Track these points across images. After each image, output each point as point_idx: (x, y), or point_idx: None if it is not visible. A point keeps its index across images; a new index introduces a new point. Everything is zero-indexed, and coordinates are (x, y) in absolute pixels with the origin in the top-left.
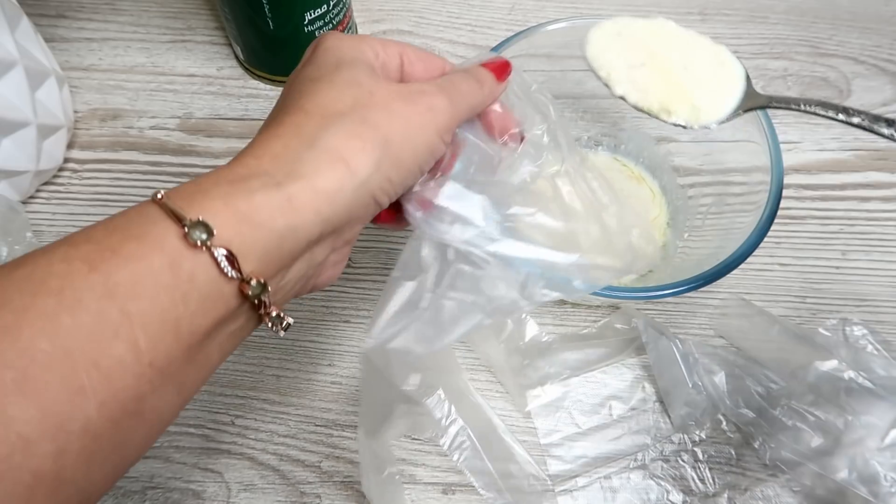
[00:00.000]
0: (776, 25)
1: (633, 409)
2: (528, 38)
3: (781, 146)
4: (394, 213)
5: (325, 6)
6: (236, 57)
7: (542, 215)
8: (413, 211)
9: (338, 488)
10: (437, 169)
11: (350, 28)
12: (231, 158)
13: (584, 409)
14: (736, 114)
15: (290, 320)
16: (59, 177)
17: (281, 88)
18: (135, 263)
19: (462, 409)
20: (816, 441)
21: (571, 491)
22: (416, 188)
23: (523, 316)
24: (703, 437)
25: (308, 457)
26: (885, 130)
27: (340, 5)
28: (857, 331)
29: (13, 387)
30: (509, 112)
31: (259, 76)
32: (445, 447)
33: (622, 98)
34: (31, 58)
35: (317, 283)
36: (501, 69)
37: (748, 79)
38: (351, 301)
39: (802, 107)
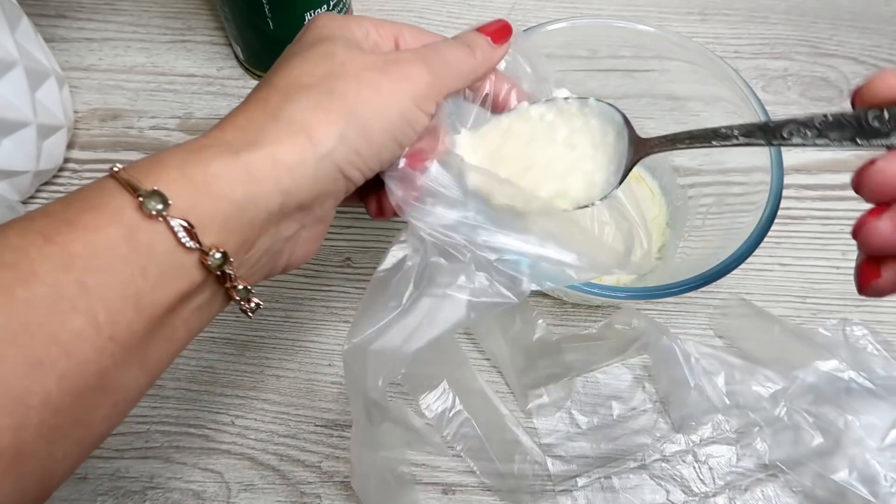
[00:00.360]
0: (776, 25)
1: (633, 409)
2: (528, 39)
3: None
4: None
5: (325, 6)
6: (236, 57)
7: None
8: (395, 189)
9: (338, 488)
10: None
11: None
12: None
13: (584, 409)
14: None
15: (259, 301)
16: (59, 177)
17: None
18: (91, 234)
19: (467, 402)
20: (816, 441)
21: (571, 491)
22: (401, 164)
23: (533, 314)
24: (703, 437)
25: (308, 457)
26: (762, 140)
27: (340, 5)
28: (857, 331)
29: None
30: (516, 82)
31: (259, 76)
32: (449, 438)
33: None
34: (31, 58)
35: (290, 262)
36: (499, 32)
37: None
38: (351, 301)
39: (686, 143)
